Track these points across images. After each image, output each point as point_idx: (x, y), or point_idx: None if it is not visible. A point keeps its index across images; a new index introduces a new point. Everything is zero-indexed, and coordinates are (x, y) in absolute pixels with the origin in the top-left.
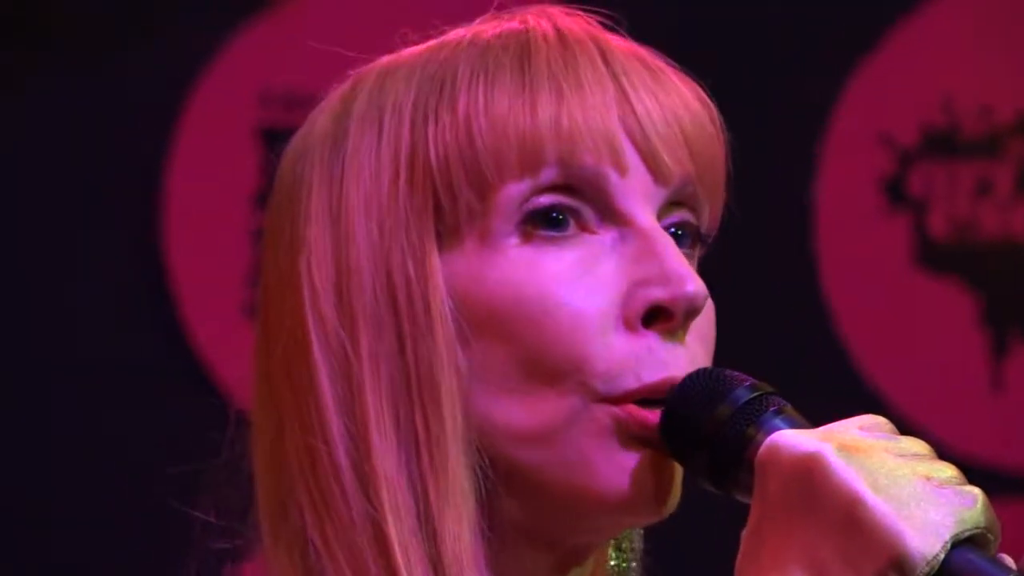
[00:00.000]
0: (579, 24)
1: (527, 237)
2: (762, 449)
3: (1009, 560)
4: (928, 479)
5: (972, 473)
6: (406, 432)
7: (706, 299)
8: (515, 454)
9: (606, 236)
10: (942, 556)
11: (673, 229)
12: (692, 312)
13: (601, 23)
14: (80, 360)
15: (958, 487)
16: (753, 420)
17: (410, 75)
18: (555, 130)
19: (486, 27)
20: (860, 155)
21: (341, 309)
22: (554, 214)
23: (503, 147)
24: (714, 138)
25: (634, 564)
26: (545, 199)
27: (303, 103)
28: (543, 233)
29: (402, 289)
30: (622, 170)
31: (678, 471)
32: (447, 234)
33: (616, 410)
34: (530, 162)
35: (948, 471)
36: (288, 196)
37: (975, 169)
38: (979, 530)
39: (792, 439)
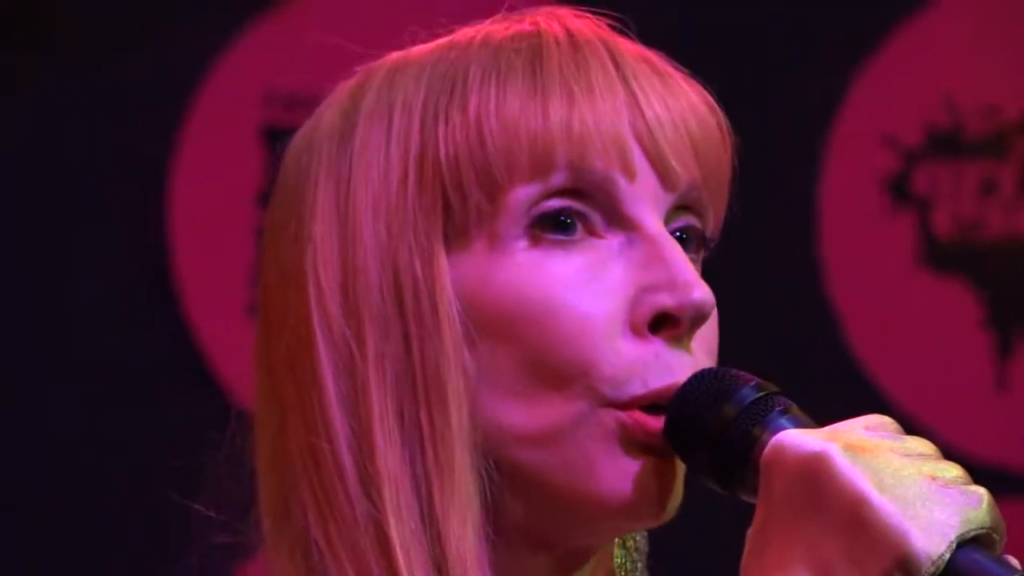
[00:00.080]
0: (589, 26)
1: (535, 240)
2: (767, 449)
3: (1014, 560)
4: (933, 479)
5: (977, 473)
6: (411, 432)
7: (713, 307)
8: (519, 456)
9: (613, 240)
10: (947, 556)
11: (679, 234)
12: (699, 319)
13: (610, 25)
14: (83, 360)
15: (963, 487)
16: (758, 420)
17: (420, 73)
18: (566, 134)
19: (497, 28)
20: (864, 154)
21: (347, 308)
22: (562, 218)
23: (514, 149)
24: (720, 144)
25: (640, 564)
26: (555, 203)
27: (307, 103)
28: (551, 237)
29: (409, 289)
30: (631, 175)
31: (680, 476)
32: (455, 235)
33: (622, 415)
34: (540, 165)
35: (953, 471)
36: (293, 191)
37: (980, 169)
38: (984, 530)
39: (798, 439)
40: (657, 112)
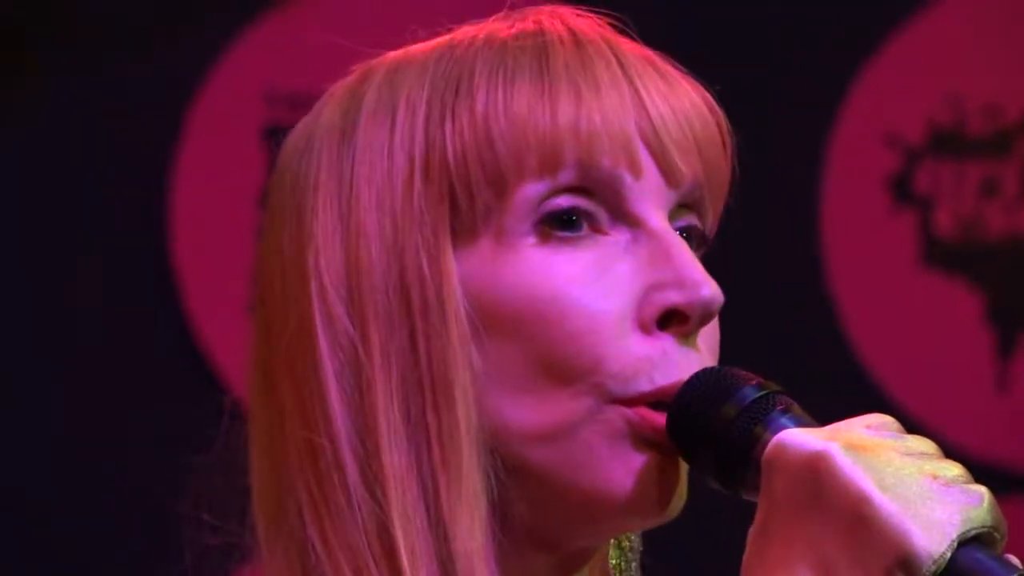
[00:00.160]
0: (591, 26)
1: (543, 237)
2: (769, 448)
3: (1015, 559)
4: (935, 478)
5: (978, 471)
6: (417, 430)
7: (721, 304)
8: (526, 454)
9: (619, 237)
10: (948, 555)
11: (681, 233)
12: (708, 316)
13: (610, 24)
14: (85, 359)
15: (964, 486)
16: (760, 419)
17: (422, 71)
18: (574, 132)
19: (499, 26)
20: (866, 153)
21: (351, 306)
22: (571, 216)
23: (523, 148)
24: (721, 142)
25: (634, 564)
26: (564, 202)
27: (309, 103)
28: (559, 233)
29: (416, 286)
30: (637, 172)
31: (685, 473)
32: (462, 232)
33: (629, 412)
34: (549, 163)
35: (954, 470)
36: (292, 191)
37: (981, 168)
38: (985, 529)
39: (799, 438)
40: (661, 111)
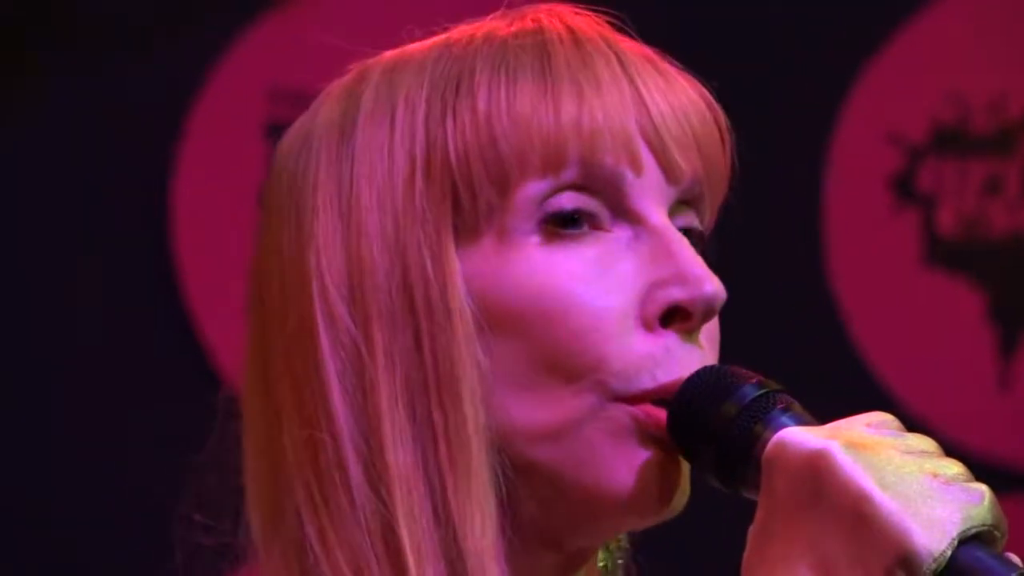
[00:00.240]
0: (589, 24)
1: (546, 235)
2: (769, 446)
3: (1016, 558)
4: (935, 476)
5: (979, 470)
6: (423, 430)
7: (724, 300)
8: (531, 452)
9: (621, 234)
10: (949, 553)
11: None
12: (710, 312)
13: (608, 22)
14: (86, 359)
15: (965, 484)
16: (760, 417)
17: (421, 70)
18: (577, 131)
19: (498, 24)
20: (869, 152)
21: (354, 306)
22: (574, 216)
23: (526, 147)
24: (720, 140)
25: (620, 562)
26: (567, 203)
27: (312, 100)
28: (561, 231)
29: (419, 285)
30: (638, 169)
31: (686, 471)
32: (464, 230)
33: (632, 409)
34: (553, 162)
35: (955, 468)
36: (290, 191)
37: (985, 166)
38: (986, 527)
39: (799, 436)
40: (661, 108)
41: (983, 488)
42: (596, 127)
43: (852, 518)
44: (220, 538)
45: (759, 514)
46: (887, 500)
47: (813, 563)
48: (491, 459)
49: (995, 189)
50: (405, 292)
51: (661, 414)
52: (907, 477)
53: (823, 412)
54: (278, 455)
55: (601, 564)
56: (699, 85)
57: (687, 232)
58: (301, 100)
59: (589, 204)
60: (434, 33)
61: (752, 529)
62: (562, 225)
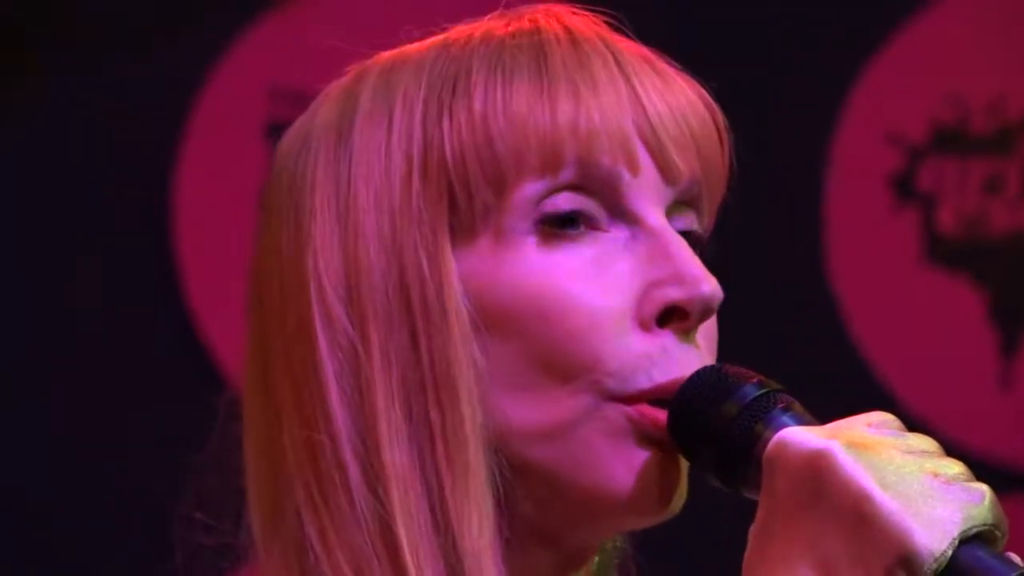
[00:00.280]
0: (586, 24)
1: (542, 235)
2: (770, 446)
3: (1016, 558)
4: (936, 476)
5: (979, 470)
6: (419, 429)
7: (721, 299)
8: (527, 452)
9: (618, 235)
10: (950, 553)
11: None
12: (708, 312)
13: (606, 22)
14: (86, 359)
15: (965, 484)
16: (761, 417)
17: (418, 70)
18: (574, 131)
19: (495, 24)
20: (869, 152)
21: (351, 306)
22: (571, 217)
23: (523, 148)
24: (718, 140)
25: (615, 562)
26: (564, 204)
27: (313, 99)
28: (558, 232)
29: (416, 285)
30: (635, 170)
31: (685, 471)
32: (460, 230)
33: (628, 410)
34: (550, 163)
35: (955, 468)
36: (289, 192)
37: (985, 166)
38: (987, 527)
39: (800, 436)
40: (658, 108)
41: (984, 488)
42: (593, 127)
43: (853, 518)
44: (220, 538)
45: (760, 514)
46: (888, 500)
47: (814, 563)
48: (488, 459)
49: (995, 188)
50: (401, 292)
51: (658, 414)
52: (908, 477)
53: (823, 412)
54: (278, 455)
55: (594, 569)
56: (697, 85)
57: (685, 236)
58: (301, 100)
59: (586, 204)
60: (432, 33)
61: (753, 529)
62: (559, 225)
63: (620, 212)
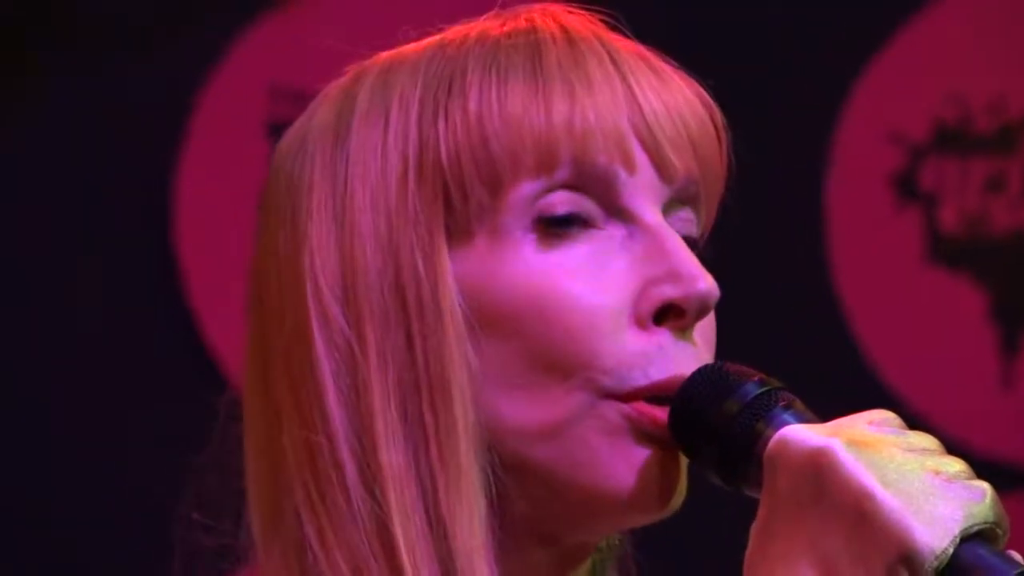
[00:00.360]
0: (583, 23)
1: (538, 233)
2: (771, 444)
3: (1017, 556)
4: (937, 474)
5: (981, 468)
6: (414, 429)
7: (717, 297)
8: (523, 451)
9: (614, 233)
10: (951, 551)
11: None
12: (704, 310)
13: (603, 21)
14: (87, 359)
15: (966, 482)
16: (762, 415)
17: (415, 71)
18: (569, 130)
19: (491, 24)
20: (871, 151)
21: (347, 306)
22: (567, 218)
23: (518, 148)
24: (716, 138)
25: (614, 560)
26: (560, 206)
27: (314, 98)
28: (554, 231)
29: (411, 285)
30: (631, 168)
31: (685, 467)
32: (456, 230)
33: (626, 407)
34: (545, 162)
35: (956, 466)
36: (287, 192)
37: (986, 165)
38: (988, 525)
39: (801, 434)
40: (654, 106)
41: (985, 486)
42: (588, 126)
43: (854, 516)
44: (221, 539)
45: (761, 512)
46: (889, 498)
47: (815, 561)
48: (480, 459)
49: (997, 187)
50: (397, 292)
51: (655, 412)
52: (909, 475)
53: (825, 410)
54: (278, 455)
55: (590, 566)
56: (695, 84)
57: (686, 239)
58: (302, 99)
59: (582, 203)
60: (430, 34)
61: (754, 527)
62: (555, 224)
63: (616, 211)
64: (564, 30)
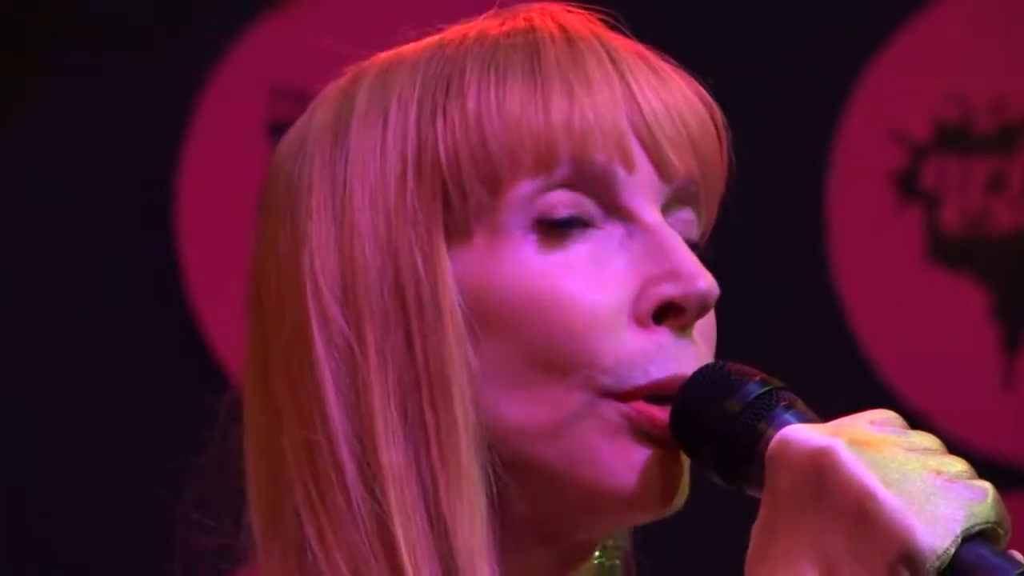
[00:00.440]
0: (581, 22)
1: (538, 233)
2: (772, 443)
3: (1019, 556)
4: (938, 473)
5: (982, 468)
6: (414, 428)
7: (717, 295)
8: (524, 450)
9: (614, 232)
10: (952, 551)
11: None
12: (704, 308)
13: (602, 20)
14: (88, 358)
15: (968, 481)
16: (763, 415)
17: (414, 71)
18: (568, 130)
19: (490, 24)
20: (872, 150)
21: (346, 306)
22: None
23: (516, 148)
24: (716, 137)
25: (617, 562)
26: (560, 207)
27: (315, 98)
28: (553, 230)
29: (411, 285)
30: (630, 167)
31: (686, 466)
32: (455, 230)
33: (624, 407)
34: (544, 161)
35: (958, 465)
36: (286, 193)
37: (988, 164)
38: (989, 524)
39: (802, 433)
40: (653, 105)
41: (986, 485)
42: (587, 125)
43: (855, 515)
44: (221, 539)
45: (762, 511)
46: (890, 497)
47: (816, 560)
48: (481, 458)
49: (998, 186)
50: (397, 292)
51: (655, 411)
52: (910, 474)
53: (826, 410)
54: (278, 456)
55: (596, 562)
56: (695, 82)
57: (686, 242)
58: (303, 99)
59: (581, 203)
60: (429, 34)
61: (755, 526)
62: (554, 224)
63: (615, 209)
64: (563, 29)
